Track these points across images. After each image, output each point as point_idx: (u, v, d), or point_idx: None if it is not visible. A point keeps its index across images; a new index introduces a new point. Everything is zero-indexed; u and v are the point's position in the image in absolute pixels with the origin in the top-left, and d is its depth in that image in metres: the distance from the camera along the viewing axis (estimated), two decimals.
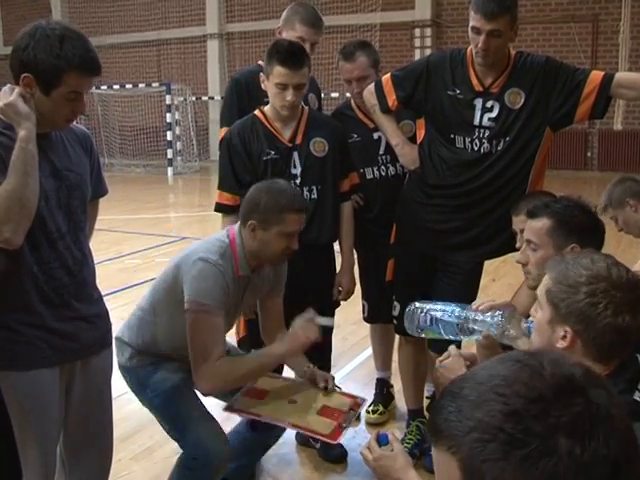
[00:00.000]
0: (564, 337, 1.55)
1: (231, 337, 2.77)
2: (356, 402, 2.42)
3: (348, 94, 3.57)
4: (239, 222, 2.47)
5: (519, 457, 0.75)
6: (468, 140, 2.83)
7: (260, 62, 3.36)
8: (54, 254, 2.00)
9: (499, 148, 2.81)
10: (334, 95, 14.01)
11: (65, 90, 1.87)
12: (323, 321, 2.47)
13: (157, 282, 2.49)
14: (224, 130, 3.21)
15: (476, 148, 2.83)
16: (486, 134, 2.81)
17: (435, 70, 2.88)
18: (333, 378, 2.55)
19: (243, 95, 3.23)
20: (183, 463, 2.36)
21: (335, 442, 2.33)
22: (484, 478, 0.76)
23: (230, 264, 2.36)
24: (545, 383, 0.79)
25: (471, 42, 2.75)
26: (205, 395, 2.41)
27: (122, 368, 2.52)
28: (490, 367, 0.85)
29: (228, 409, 2.39)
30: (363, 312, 3.63)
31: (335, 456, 3.17)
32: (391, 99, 2.98)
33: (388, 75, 3.03)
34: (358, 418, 2.39)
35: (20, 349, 1.97)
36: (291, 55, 2.74)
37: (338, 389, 2.54)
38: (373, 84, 3.05)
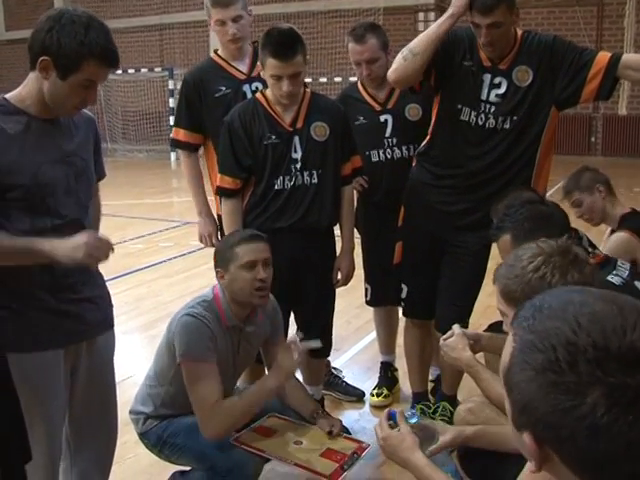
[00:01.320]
0: None
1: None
2: (361, 446, 2.46)
3: (352, 78, 3.55)
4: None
5: (549, 380, 0.77)
6: (474, 113, 2.82)
7: (212, 55, 3.31)
8: None
9: (505, 126, 2.80)
10: (337, 79, 13.96)
11: (82, 77, 1.88)
12: (311, 344, 2.53)
13: (159, 345, 2.57)
14: (175, 130, 3.31)
15: (481, 123, 2.82)
16: (492, 110, 2.80)
17: (454, 41, 2.84)
18: (341, 422, 2.58)
19: (192, 95, 3.20)
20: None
21: None
22: (516, 376, 0.82)
23: (215, 316, 2.44)
24: (621, 342, 0.76)
25: (475, 34, 2.73)
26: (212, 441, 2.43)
27: (141, 436, 2.56)
28: (594, 295, 0.84)
29: (235, 440, 2.43)
30: (366, 295, 3.63)
31: None
32: None
33: None
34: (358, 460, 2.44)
35: (25, 331, 1.97)
36: (281, 46, 2.66)
37: (344, 434, 2.56)
38: None
